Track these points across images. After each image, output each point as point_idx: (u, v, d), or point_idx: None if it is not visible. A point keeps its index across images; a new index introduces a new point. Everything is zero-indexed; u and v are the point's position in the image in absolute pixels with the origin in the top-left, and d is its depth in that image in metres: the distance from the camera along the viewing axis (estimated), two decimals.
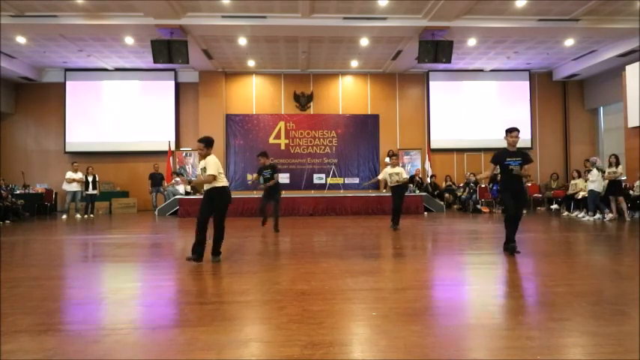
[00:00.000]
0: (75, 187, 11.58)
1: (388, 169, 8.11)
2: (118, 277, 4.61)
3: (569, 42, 11.51)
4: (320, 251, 5.89)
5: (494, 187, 12.12)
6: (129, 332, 2.78)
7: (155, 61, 10.25)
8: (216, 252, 5.18)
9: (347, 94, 14.59)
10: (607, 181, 9.73)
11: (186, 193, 12.39)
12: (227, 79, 14.31)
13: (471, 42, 11.47)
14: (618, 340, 2.57)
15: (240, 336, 2.72)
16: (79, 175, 11.70)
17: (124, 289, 3.98)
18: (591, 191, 9.67)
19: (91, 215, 11.87)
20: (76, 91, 13.87)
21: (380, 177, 8.56)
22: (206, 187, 5.12)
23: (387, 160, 13.62)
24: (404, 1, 9.28)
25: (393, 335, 2.67)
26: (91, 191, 11.86)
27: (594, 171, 9.61)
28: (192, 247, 5.04)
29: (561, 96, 14.90)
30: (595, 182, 9.57)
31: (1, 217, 10.22)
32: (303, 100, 14.39)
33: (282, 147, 14.21)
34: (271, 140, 14.23)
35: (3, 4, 9.06)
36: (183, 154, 14.11)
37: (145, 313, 3.29)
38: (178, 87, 14.30)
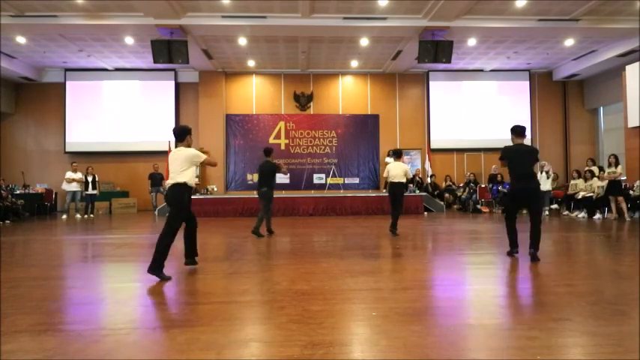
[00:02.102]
0: (75, 187, 11.59)
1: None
2: (118, 277, 4.61)
3: (569, 42, 11.51)
4: (320, 251, 5.89)
5: (494, 187, 12.13)
6: (129, 332, 2.78)
7: (155, 61, 10.25)
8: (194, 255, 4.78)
9: (347, 94, 14.58)
10: (607, 181, 9.76)
11: None
12: (227, 79, 14.31)
13: (471, 42, 11.47)
14: (618, 340, 2.57)
15: (240, 336, 2.72)
16: (79, 175, 11.71)
17: (124, 289, 3.98)
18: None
19: (91, 215, 11.87)
20: (76, 91, 13.87)
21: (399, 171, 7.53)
22: (173, 182, 4.41)
23: (390, 159, 13.61)
24: (404, 1, 9.28)
25: (393, 335, 2.67)
26: (90, 191, 11.86)
27: (538, 173, 11.19)
28: (156, 263, 4.22)
29: (561, 96, 14.90)
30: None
31: (1, 217, 10.22)
32: (303, 100, 14.39)
33: (282, 147, 14.21)
34: (271, 140, 14.23)
35: (3, 4, 9.06)
36: None
37: (145, 313, 3.29)
38: (178, 87, 14.30)
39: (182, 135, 4.64)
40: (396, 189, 7.36)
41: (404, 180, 7.41)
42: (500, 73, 14.51)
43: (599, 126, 14.69)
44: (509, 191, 5.52)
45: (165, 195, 4.58)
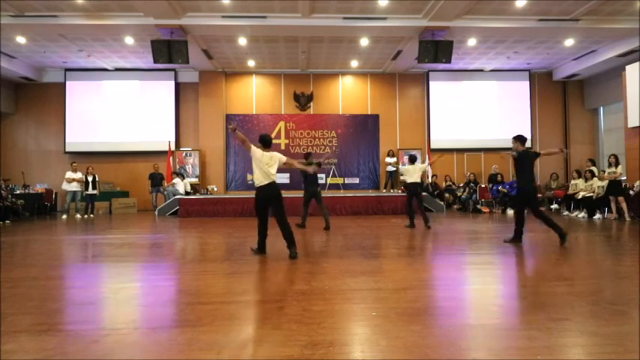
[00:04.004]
0: (75, 187, 11.59)
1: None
2: (118, 277, 4.61)
3: (569, 42, 11.51)
4: (320, 251, 5.89)
5: (494, 187, 12.13)
6: (129, 332, 2.78)
7: (155, 61, 10.26)
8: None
9: (347, 94, 14.59)
10: (607, 181, 9.76)
11: (187, 193, 12.39)
12: (227, 79, 14.32)
13: (471, 42, 11.47)
14: (618, 340, 2.57)
15: (240, 336, 2.72)
16: (79, 175, 11.71)
17: (124, 289, 3.97)
18: None
19: (91, 215, 11.86)
20: (76, 91, 13.87)
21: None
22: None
23: (390, 159, 13.64)
24: (404, 1, 9.28)
25: (393, 335, 2.67)
26: (90, 191, 11.86)
27: None
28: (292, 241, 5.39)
29: (561, 96, 14.90)
30: None
31: (1, 217, 10.21)
32: (303, 100, 14.39)
33: (282, 147, 14.21)
34: None
35: (3, 4, 9.06)
36: (183, 154, 14.10)
37: (145, 313, 3.29)
38: (178, 87, 14.30)
39: (271, 142, 5.72)
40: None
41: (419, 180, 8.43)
42: (500, 73, 14.51)
43: (599, 126, 14.69)
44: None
45: (263, 193, 5.37)
